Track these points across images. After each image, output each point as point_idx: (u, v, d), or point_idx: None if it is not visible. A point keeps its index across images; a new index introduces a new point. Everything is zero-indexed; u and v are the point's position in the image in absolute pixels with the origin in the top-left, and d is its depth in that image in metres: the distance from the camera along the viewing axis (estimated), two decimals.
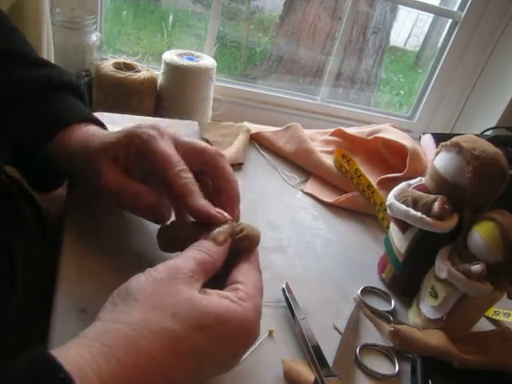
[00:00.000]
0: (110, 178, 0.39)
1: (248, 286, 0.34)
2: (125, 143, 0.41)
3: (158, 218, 0.42)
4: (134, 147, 0.41)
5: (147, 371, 0.25)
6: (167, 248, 0.41)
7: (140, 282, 0.30)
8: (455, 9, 1.04)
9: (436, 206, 0.48)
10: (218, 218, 0.38)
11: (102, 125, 0.48)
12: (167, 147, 0.40)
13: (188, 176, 0.39)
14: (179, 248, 0.37)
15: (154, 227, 0.43)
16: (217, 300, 0.31)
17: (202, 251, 0.34)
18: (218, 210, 0.39)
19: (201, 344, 0.28)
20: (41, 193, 0.50)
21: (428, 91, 1.09)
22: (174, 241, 0.40)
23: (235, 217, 0.42)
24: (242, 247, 0.38)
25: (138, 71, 0.86)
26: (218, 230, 0.37)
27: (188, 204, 0.38)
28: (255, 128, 0.82)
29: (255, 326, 0.32)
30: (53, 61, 0.98)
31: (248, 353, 0.42)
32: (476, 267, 0.45)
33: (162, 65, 0.87)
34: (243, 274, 0.35)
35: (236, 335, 0.30)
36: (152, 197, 0.40)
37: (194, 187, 0.39)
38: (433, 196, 0.50)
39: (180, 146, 0.42)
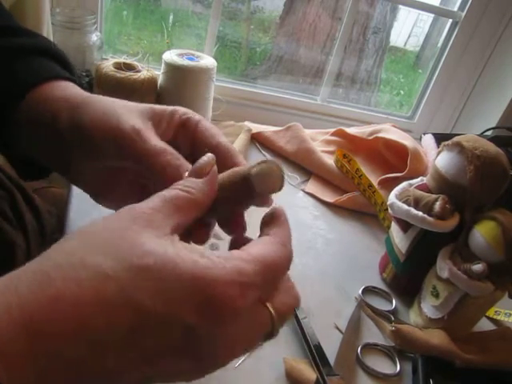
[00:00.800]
0: (160, 146, 0.31)
1: (247, 252, 0.24)
2: (168, 113, 0.35)
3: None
4: (178, 120, 0.35)
5: (53, 311, 0.19)
6: None
7: (88, 223, 0.23)
8: (455, 9, 1.04)
9: (437, 205, 0.48)
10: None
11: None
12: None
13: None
14: None
15: None
16: (176, 248, 0.22)
17: (173, 188, 0.26)
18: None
19: (134, 292, 0.20)
20: (29, 180, 0.45)
21: (428, 91, 1.09)
22: None
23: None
24: (255, 195, 0.27)
25: (138, 71, 0.86)
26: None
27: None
28: (256, 128, 0.82)
29: (226, 296, 0.21)
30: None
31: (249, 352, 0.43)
32: (477, 267, 0.45)
33: (162, 65, 0.87)
34: (256, 245, 0.25)
35: (193, 298, 0.21)
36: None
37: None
38: (434, 196, 0.50)
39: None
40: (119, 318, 0.20)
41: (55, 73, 0.37)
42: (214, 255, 0.22)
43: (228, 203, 0.28)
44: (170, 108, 0.36)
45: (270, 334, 0.26)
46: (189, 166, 0.31)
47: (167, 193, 0.25)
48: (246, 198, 0.28)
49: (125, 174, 0.36)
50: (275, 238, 0.26)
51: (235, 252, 0.24)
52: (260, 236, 0.27)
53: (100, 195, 0.39)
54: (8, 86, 0.35)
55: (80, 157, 0.35)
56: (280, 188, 0.28)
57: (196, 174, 0.28)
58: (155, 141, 0.32)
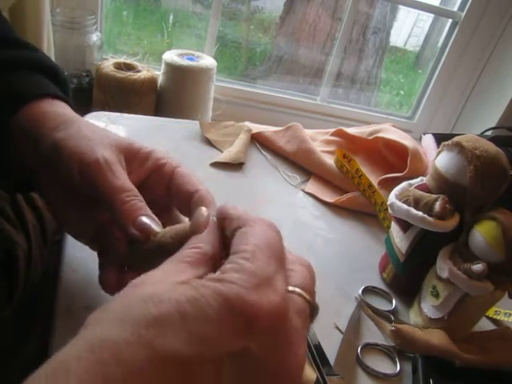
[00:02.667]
0: (122, 181, 0.31)
1: (251, 254, 0.22)
2: (144, 153, 0.35)
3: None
4: (153, 163, 0.35)
5: None
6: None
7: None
8: (455, 9, 1.04)
9: (437, 205, 0.48)
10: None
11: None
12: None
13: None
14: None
15: None
16: (189, 284, 0.21)
17: (181, 249, 0.26)
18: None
19: (162, 343, 0.18)
20: (21, 193, 0.44)
21: (428, 91, 1.09)
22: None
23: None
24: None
25: (139, 71, 0.86)
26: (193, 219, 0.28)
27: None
28: (256, 128, 0.82)
29: (259, 304, 0.20)
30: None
31: None
32: (477, 267, 0.45)
33: (163, 65, 0.87)
34: (239, 237, 0.24)
35: (231, 323, 0.19)
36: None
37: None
38: (434, 196, 0.50)
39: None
40: (157, 379, 0.18)
41: (47, 91, 0.37)
42: (227, 273, 0.21)
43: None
44: (147, 150, 0.35)
45: (312, 314, 0.24)
46: (148, 210, 0.31)
47: (175, 255, 0.24)
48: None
49: (91, 205, 0.35)
50: (249, 223, 0.25)
51: (234, 258, 0.22)
52: (234, 235, 0.25)
53: (61, 221, 0.39)
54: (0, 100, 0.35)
55: (51, 177, 0.35)
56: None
57: (195, 227, 0.27)
58: (122, 177, 0.32)
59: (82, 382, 0.16)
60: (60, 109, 0.36)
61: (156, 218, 0.31)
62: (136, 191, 0.32)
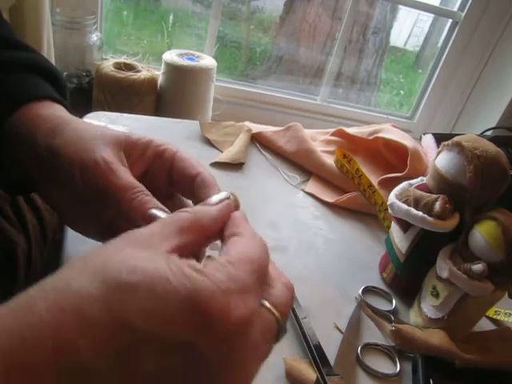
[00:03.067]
0: (123, 175, 0.31)
1: (239, 261, 0.22)
2: (142, 144, 0.35)
3: None
4: (153, 151, 0.35)
5: (34, 339, 0.17)
6: None
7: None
8: (455, 9, 1.04)
9: (437, 205, 0.48)
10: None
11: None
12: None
13: None
14: None
15: None
16: (169, 263, 0.20)
17: (178, 211, 0.25)
18: None
19: (120, 309, 0.18)
20: (15, 195, 0.44)
21: (428, 91, 1.09)
22: None
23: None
24: None
25: (139, 71, 0.86)
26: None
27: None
28: (256, 128, 0.82)
29: (227, 311, 0.19)
30: (53, 61, 0.98)
31: None
32: (477, 267, 0.45)
33: (163, 65, 0.87)
34: (232, 243, 0.24)
35: (190, 315, 0.19)
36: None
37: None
38: (434, 196, 0.50)
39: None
40: (106, 342, 0.18)
41: (44, 93, 0.37)
42: (210, 269, 0.21)
43: None
44: (145, 139, 0.35)
45: (278, 335, 0.23)
46: (156, 202, 0.31)
47: (170, 216, 0.24)
48: None
49: (95, 204, 0.35)
50: (244, 235, 0.25)
51: (221, 258, 0.22)
52: (226, 240, 0.25)
53: (70, 221, 0.39)
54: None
55: (51, 180, 0.34)
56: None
57: (207, 202, 0.27)
58: (125, 175, 0.32)
59: (43, 322, 0.17)
60: (56, 111, 0.36)
61: (164, 208, 0.31)
62: (141, 186, 0.32)
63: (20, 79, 0.37)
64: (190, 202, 0.36)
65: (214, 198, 0.28)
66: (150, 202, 0.30)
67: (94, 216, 0.36)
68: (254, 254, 0.23)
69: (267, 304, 0.23)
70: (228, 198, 0.29)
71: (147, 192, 0.31)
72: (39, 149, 0.33)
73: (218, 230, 0.26)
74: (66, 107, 0.38)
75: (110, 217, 0.35)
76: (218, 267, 0.21)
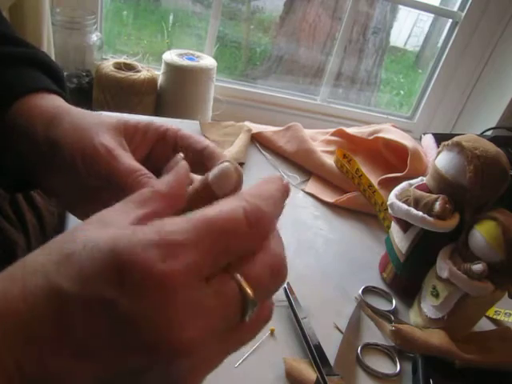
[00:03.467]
0: (125, 160, 0.31)
1: (187, 220, 0.20)
2: (143, 126, 0.35)
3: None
4: (154, 133, 0.35)
5: None
6: None
7: None
8: (455, 9, 1.04)
9: (437, 205, 0.48)
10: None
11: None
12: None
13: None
14: None
15: None
16: (119, 229, 0.20)
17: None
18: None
19: (54, 277, 0.19)
20: (15, 193, 0.44)
21: (428, 91, 1.09)
22: None
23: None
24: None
25: (139, 71, 0.86)
26: None
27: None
28: (256, 128, 0.82)
29: (142, 261, 0.18)
30: None
31: (249, 352, 0.43)
32: (477, 267, 0.45)
33: (162, 65, 0.87)
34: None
35: (106, 270, 0.19)
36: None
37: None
38: (434, 196, 0.50)
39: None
40: (43, 309, 0.19)
41: (41, 85, 0.37)
42: (143, 226, 0.20)
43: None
44: (144, 122, 0.35)
45: (245, 309, 0.21)
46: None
47: (133, 194, 0.23)
48: (209, 203, 0.25)
49: (99, 191, 0.34)
50: (233, 197, 0.22)
51: (168, 218, 0.20)
52: None
53: (75, 210, 0.39)
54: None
55: (53, 171, 0.34)
56: (238, 185, 0.26)
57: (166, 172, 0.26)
58: (127, 160, 0.31)
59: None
60: (55, 102, 0.36)
61: None
62: (143, 169, 0.31)
63: (18, 72, 0.37)
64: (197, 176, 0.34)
65: (215, 170, 0.26)
66: (151, 184, 0.29)
67: (99, 203, 0.36)
68: (220, 218, 0.20)
69: (237, 276, 0.21)
70: (180, 158, 0.28)
71: (150, 175, 0.31)
72: (39, 140, 0.33)
73: (176, 195, 0.24)
74: (64, 98, 0.38)
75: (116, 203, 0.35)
76: (156, 223, 0.20)
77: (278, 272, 0.23)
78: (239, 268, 0.21)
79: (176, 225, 0.20)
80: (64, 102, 0.37)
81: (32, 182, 0.39)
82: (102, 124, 0.34)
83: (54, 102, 0.36)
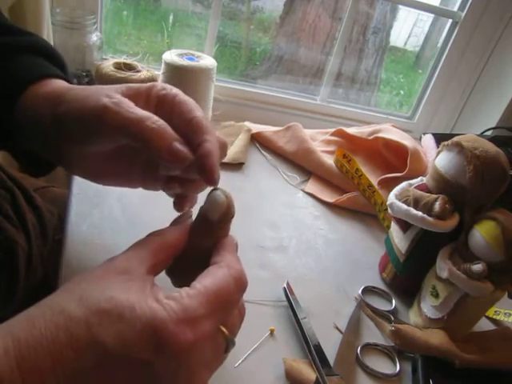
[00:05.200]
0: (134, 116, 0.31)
1: (198, 295, 0.26)
2: (145, 90, 0.35)
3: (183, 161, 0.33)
4: (155, 96, 0.35)
5: (37, 349, 0.22)
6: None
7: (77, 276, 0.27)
8: (455, 9, 1.04)
9: (437, 205, 0.48)
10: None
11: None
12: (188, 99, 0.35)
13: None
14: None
15: (157, 226, 0.43)
16: (138, 294, 0.25)
17: (148, 235, 0.30)
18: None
19: (98, 332, 0.23)
20: (35, 176, 0.45)
21: (428, 91, 1.09)
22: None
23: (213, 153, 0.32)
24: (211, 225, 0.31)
25: (139, 71, 0.86)
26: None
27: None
28: (256, 128, 0.82)
29: (175, 336, 0.24)
30: None
31: (249, 352, 0.43)
32: (477, 267, 0.45)
33: (162, 65, 0.87)
34: (202, 278, 0.28)
35: (147, 339, 0.24)
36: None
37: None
38: (434, 196, 0.50)
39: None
40: (87, 354, 0.23)
41: (48, 71, 0.38)
42: (167, 299, 0.25)
43: (198, 240, 0.31)
44: (147, 85, 0.35)
45: (227, 349, 0.28)
46: (175, 135, 0.32)
47: (141, 240, 0.29)
48: (208, 230, 0.31)
49: (118, 153, 0.36)
50: (221, 266, 0.29)
51: (183, 291, 0.26)
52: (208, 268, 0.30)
53: (99, 178, 0.39)
54: (5, 84, 0.36)
55: (70, 144, 0.35)
56: (229, 209, 0.31)
57: (176, 223, 0.32)
58: (137, 109, 0.32)
59: (42, 336, 0.23)
60: (58, 84, 0.37)
61: (182, 140, 0.32)
62: (154, 116, 0.32)
63: (23, 61, 0.38)
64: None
65: (182, 218, 0.33)
66: (171, 134, 0.31)
67: (124, 167, 0.38)
68: (218, 289, 0.27)
69: (222, 328, 0.28)
70: (190, 216, 0.33)
71: (161, 121, 0.32)
72: (47, 122, 0.34)
73: (181, 244, 0.31)
74: (68, 82, 0.39)
75: (144, 160, 0.37)
76: (177, 298, 0.25)
77: (243, 316, 0.31)
78: (223, 321, 0.28)
79: (193, 300, 0.26)
80: (67, 84, 0.38)
81: (48, 166, 0.41)
82: (105, 88, 0.34)
83: (57, 85, 0.37)
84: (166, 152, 0.31)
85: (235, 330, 0.30)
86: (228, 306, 0.28)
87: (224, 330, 0.28)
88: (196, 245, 0.31)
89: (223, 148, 0.35)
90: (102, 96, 0.33)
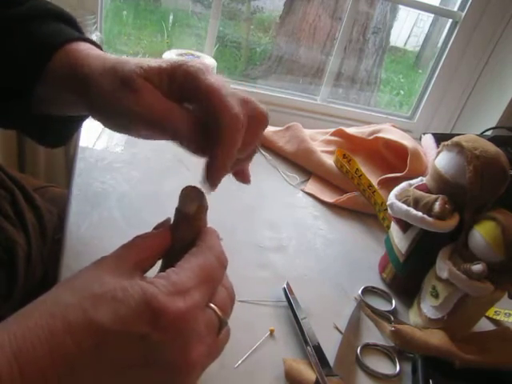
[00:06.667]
0: (152, 99, 0.33)
1: (183, 271, 0.28)
2: (170, 70, 0.34)
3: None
4: (180, 77, 0.34)
5: (34, 341, 0.23)
6: None
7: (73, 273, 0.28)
8: (455, 9, 1.04)
9: (437, 205, 0.48)
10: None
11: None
12: (216, 81, 0.34)
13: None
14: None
15: None
16: (130, 280, 0.27)
17: (132, 239, 0.31)
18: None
19: (94, 314, 0.24)
20: (53, 147, 0.45)
21: (428, 91, 1.09)
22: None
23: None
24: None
25: None
26: None
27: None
28: None
29: (167, 306, 0.25)
30: None
31: (249, 352, 0.43)
32: (477, 267, 0.45)
33: None
34: (185, 258, 0.30)
35: (142, 313, 0.25)
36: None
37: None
38: (434, 196, 0.50)
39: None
40: (85, 337, 0.24)
41: (73, 35, 0.40)
42: (158, 278, 0.27)
43: (181, 235, 0.33)
44: (171, 62, 0.35)
45: (220, 328, 0.29)
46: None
47: (127, 242, 0.31)
48: (187, 224, 0.33)
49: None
50: (201, 247, 0.31)
51: (170, 270, 0.28)
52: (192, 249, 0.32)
53: (130, 130, 0.39)
54: (34, 49, 0.37)
55: (104, 110, 0.36)
56: (204, 206, 0.33)
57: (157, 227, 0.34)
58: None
59: (37, 326, 0.23)
60: (84, 46, 0.39)
61: None
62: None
63: (49, 27, 0.40)
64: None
65: (160, 224, 0.34)
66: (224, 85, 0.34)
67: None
68: (202, 264, 0.29)
69: (212, 305, 0.29)
70: (169, 221, 0.34)
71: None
72: (85, 77, 0.35)
73: (162, 243, 0.32)
74: (92, 43, 0.40)
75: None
76: (164, 276, 0.27)
77: (233, 299, 0.32)
78: (212, 298, 0.29)
79: (181, 275, 0.28)
80: (89, 45, 0.39)
81: (62, 138, 0.43)
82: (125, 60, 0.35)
83: (83, 47, 0.39)
84: (219, 102, 0.33)
85: (227, 311, 0.31)
86: (213, 280, 0.30)
87: (214, 307, 0.29)
88: (180, 240, 0.33)
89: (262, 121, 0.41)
90: (125, 64, 0.34)
